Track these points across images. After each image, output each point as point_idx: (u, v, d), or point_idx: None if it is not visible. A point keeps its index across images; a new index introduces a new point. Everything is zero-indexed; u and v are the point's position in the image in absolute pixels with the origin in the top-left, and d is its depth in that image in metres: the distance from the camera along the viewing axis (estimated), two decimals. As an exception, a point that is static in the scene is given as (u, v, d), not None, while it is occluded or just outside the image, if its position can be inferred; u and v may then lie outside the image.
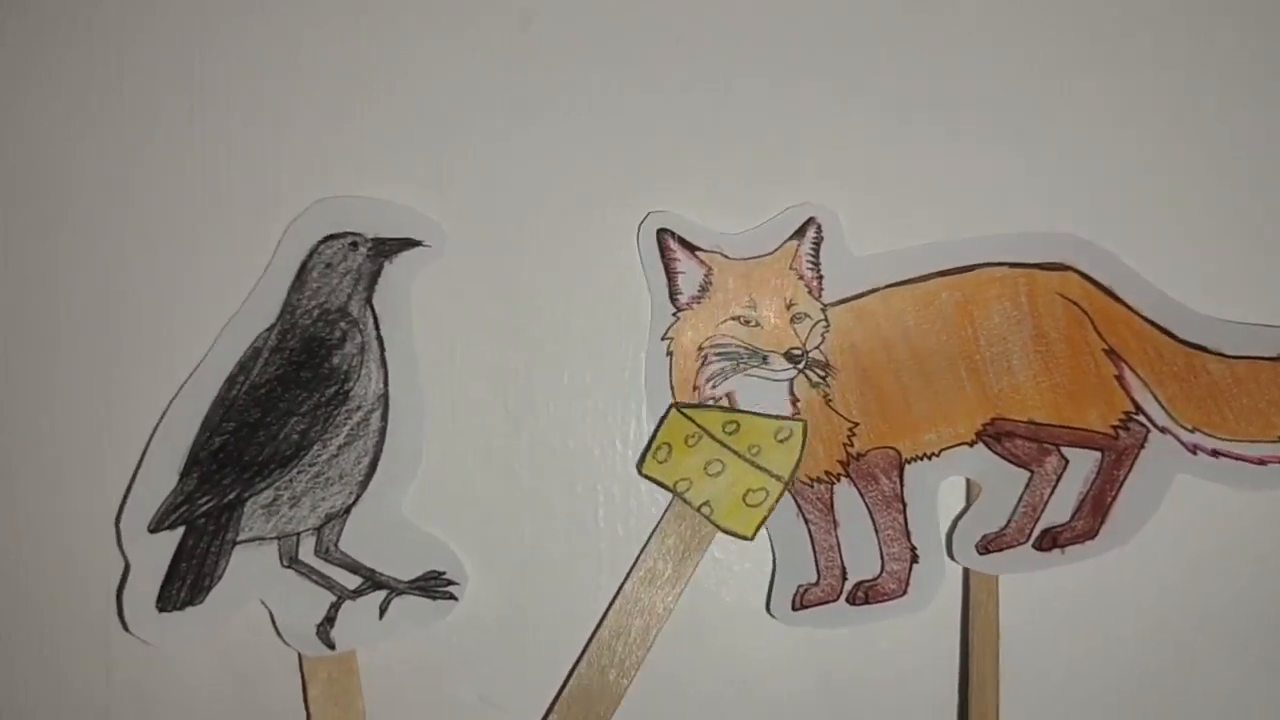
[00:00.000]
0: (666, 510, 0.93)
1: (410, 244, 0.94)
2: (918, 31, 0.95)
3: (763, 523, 0.92)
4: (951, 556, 0.94)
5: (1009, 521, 0.93)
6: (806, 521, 0.94)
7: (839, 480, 0.94)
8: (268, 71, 0.96)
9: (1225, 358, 0.93)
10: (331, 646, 0.94)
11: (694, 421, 0.92)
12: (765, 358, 0.92)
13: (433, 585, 0.94)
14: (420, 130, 0.96)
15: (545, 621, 0.97)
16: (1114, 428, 0.92)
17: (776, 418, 0.92)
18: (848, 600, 0.93)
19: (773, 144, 0.96)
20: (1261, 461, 0.92)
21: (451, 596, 0.94)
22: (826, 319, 0.93)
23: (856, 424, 0.93)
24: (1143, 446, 0.92)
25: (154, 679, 0.97)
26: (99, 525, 0.97)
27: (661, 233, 0.93)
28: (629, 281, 0.96)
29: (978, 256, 0.94)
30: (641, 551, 0.93)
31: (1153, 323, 0.93)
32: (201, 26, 0.96)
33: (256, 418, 0.92)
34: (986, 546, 0.93)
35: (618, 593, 0.93)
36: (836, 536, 0.94)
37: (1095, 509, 0.92)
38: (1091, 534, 0.92)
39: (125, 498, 0.93)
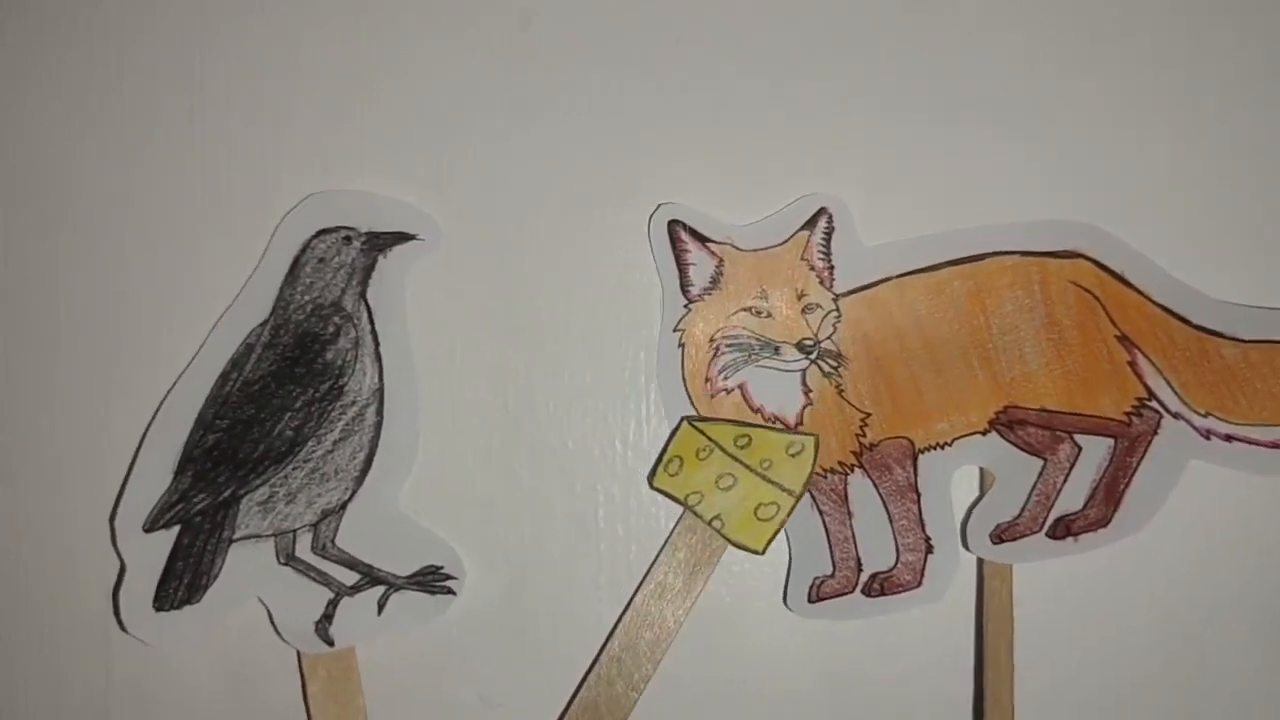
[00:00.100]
0: (677, 524, 0.91)
1: (404, 238, 0.92)
2: (926, 22, 0.94)
3: (774, 537, 0.90)
4: (966, 546, 0.92)
5: (1022, 510, 0.92)
6: (821, 513, 0.92)
7: (852, 471, 0.92)
8: (268, 71, 0.94)
9: (1239, 342, 0.91)
10: (330, 643, 0.92)
11: (705, 435, 0.90)
12: (777, 348, 0.91)
13: (431, 580, 0.92)
14: (420, 130, 0.94)
15: (545, 621, 0.95)
16: (1127, 414, 0.90)
17: (788, 432, 0.90)
18: (863, 592, 0.92)
19: (781, 136, 0.95)
20: (1275, 446, 0.90)
21: (450, 591, 0.92)
22: (838, 309, 0.91)
23: (869, 414, 0.92)
24: (1156, 432, 0.91)
25: (154, 679, 0.95)
26: (99, 525, 0.95)
27: (673, 224, 0.91)
28: (629, 281, 0.94)
29: (989, 245, 0.92)
30: (652, 565, 0.92)
31: (1165, 308, 0.92)
32: (201, 26, 0.94)
33: (250, 414, 0.90)
34: (1000, 536, 0.91)
35: (627, 605, 0.92)
36: (851, 528, 0.92)
37: (1108, 496, 0.90)
38: (1104, 522, 0.91)
39: (119, 497, 0.91)
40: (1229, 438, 0.91)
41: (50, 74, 0.94)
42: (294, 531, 0.91)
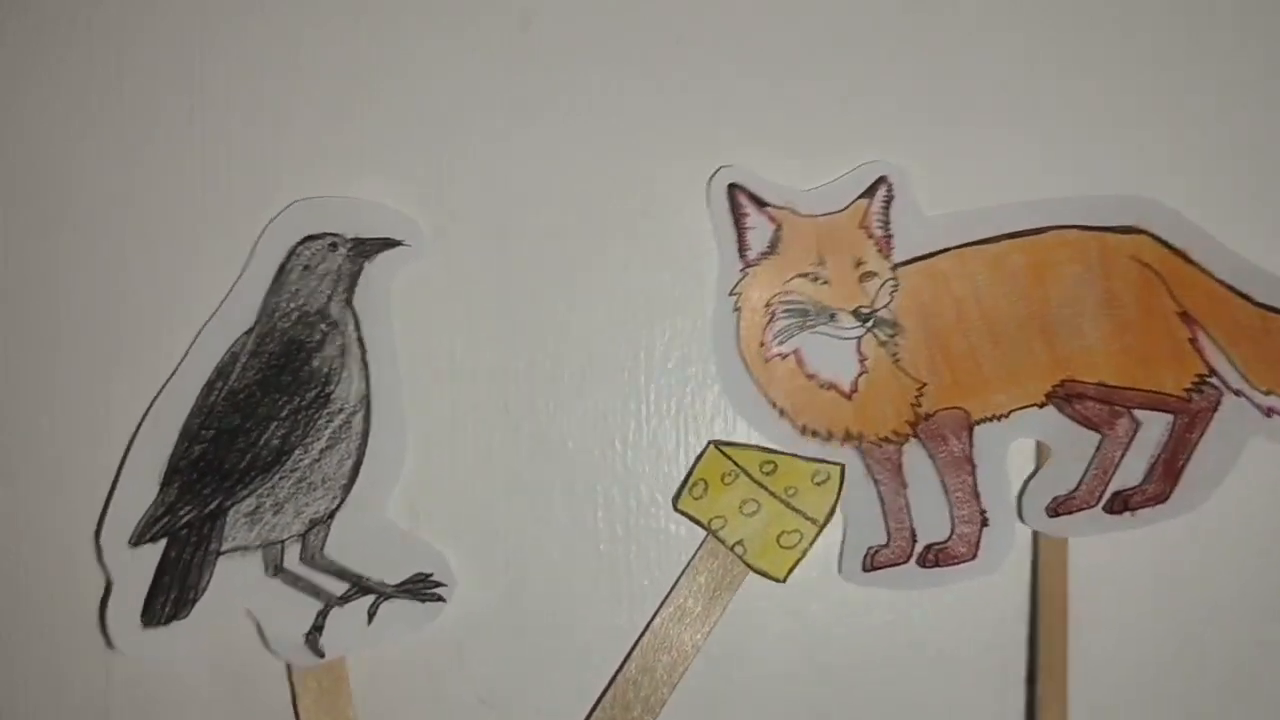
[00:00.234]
0: (700, 548, 0.89)
1: (390, 244, 0.88)
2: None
3: (795, 565, 0.88)
4: (1021, 519, 0.89)
5: (1079, 484, 0.89)
6: (876, 482, 0.89)
7: (907, 441, 0.89)
8: (268, 71, 0.91)
9: (1302, 319, 0.85)
10: (321, 655, 0.88)
11: (732, 460, 0.88)
12: (833, 315, 0.88)
13: (421, 588, 0.88)
14: (421, 130, 0.91)
15: (544, 621, 0.92)
16: (1187, 390, 0.88)
17: (815, 460, 0.88)
18: (918, 562, 0.89)
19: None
20: (1338, 423, 0.84)
21: (440, 598, 0.88)
22: (896, 278, 0.89)
23: (925, 384, 0.89)
24: (1216, 409, 0.88)
25: (154, 679, 0.92)
26: (100, 525, 0.88)
27: (732, 188, 0.88)
28: (629, 280, 0.92)
29: (1050, 219, 0.89)
30: (672, 588, 0.90)
31: (1227, 285, 0.89)
32: (201, 26, 0.91)
33: (236, 424, 0.86)
34: (1056, 509, 0.89)
35: (645, 628, 0.89)
36: (906, 498, 0.89)
37: (1167, 472, 0.88)
38: (1163, 497, 0.88)
39: (104, 511, 0.88)
40: (1292, 415, 0.85)
41: (50, 74, 0.91)
42: (282, 542, 0.87)
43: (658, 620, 0.88)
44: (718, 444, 0.88)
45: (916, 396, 0.88)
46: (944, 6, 0.91)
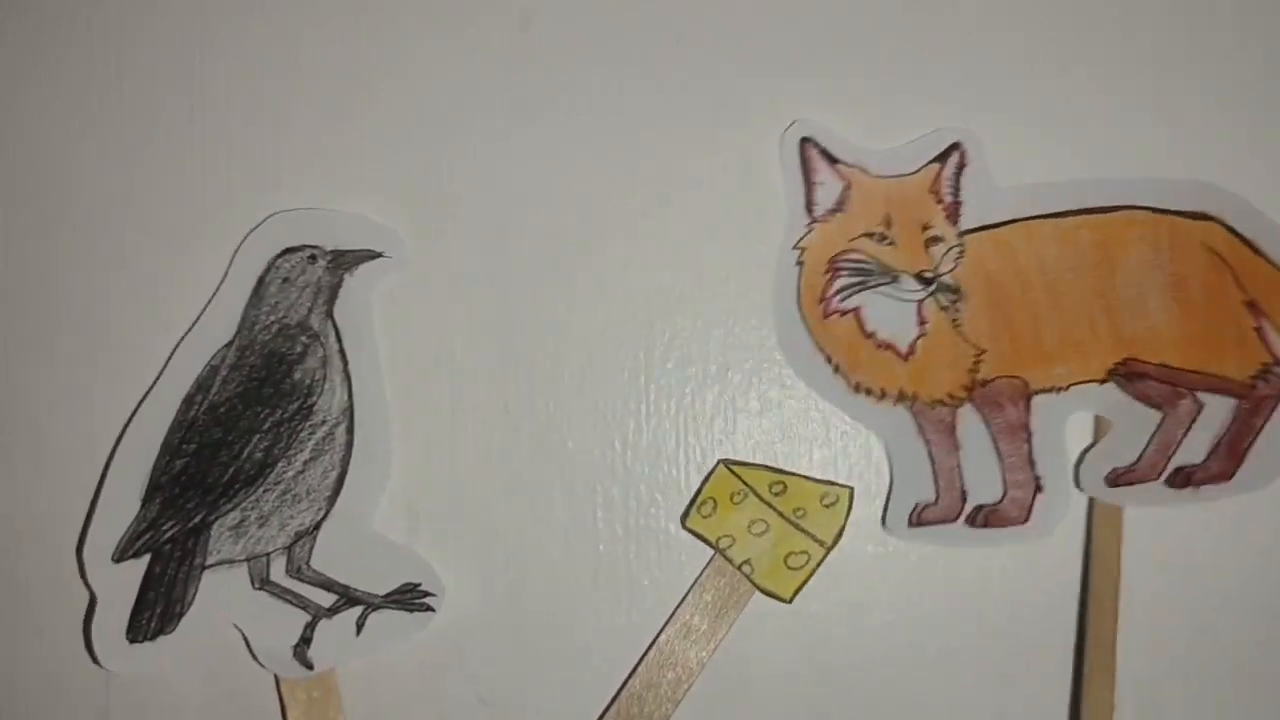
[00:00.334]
0: (707, 566, 0.87)
1: (370, 255, 0.86)
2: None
3: (802, 586, 0.85)
4: (1079, 486, 0.87)
5: (1140, 457, 0.86)
6: (927, 442, 0.87)
7: (962, 404, 0.86)
8: (268, 72, 0.89)
9: (1369, 314, 0.83)
10: (310, 667, 0.85)
11: (741, 479, 0.86)
12: (896, 277, 0.86)
13: (409, 598, 0.86)
14: (421, 130, 0.89)
15: (544, 621, 0.89)
16: (1252, 378, 0.85)
17: (824, 483, 0.86)
18: (966, 522, 0.86)
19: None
20: (1405, 416, 0.82)
21: (429, 608, 0.86)
22: (962, 244, 0.86)
23: (984, 351, 0.86)
24: None
25: (147, 690, 0.89)
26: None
27: (804, 142, 0.86)
28: (630, 280, 0.89)
29: (1121, 198, 0.87)
30: (679, 605, 0.87)
31: None
32: (201, 26, 0.90)
33: (218, 437, 0.84)
34: (1116, 480, 0.86)
35: (651, 645, 0.87)
36: (958, 459, 0.86)
37: (1231, 452, 0.85)
38: (1227, 475, 0.85)
39: (86, 527, 0.86)
40: (1358, 406, 0.83)
41: (50, 74, 0.89)
42: (267, 555, 0.85)
43: (663, 637, 0.86)
44: (727, 463, 0.86)
45: (975, 362, 0.86)
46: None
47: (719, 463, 0.87)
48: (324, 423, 0.85)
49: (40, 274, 0.90)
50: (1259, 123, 0.89)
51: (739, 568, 0.85)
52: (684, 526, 0.87)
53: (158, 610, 0.84)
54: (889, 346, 0.86)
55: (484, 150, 0.89)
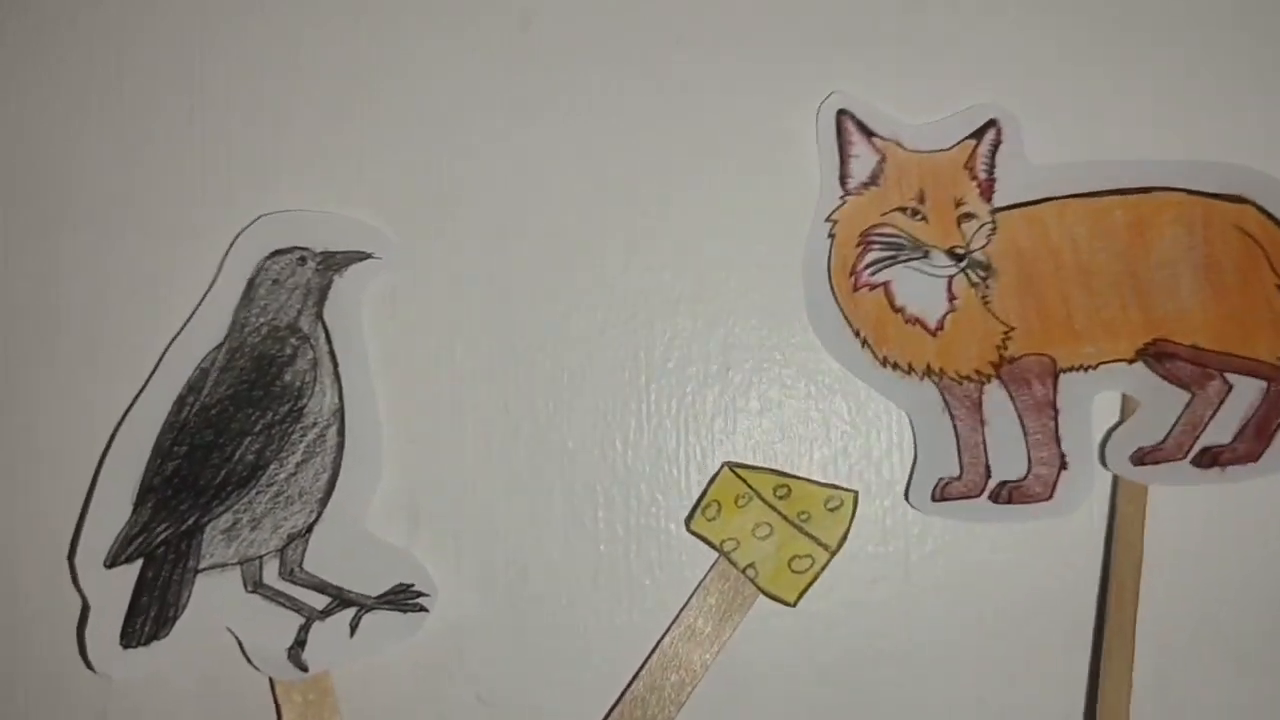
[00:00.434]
0: (711, 569, 0.86)
1: (360, 256, 0.85)
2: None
3: (806, 589, 0.84)
4: (1104, 464, 0.85)
5: (1167, 436, 0.85)
6: (953, 417, 0.86)
7: (989, 381, 0.85)
8: (267, 72, 0.88)
9: (1403, 300, 0.82)
10: (305, 669, 0.84)
11: (745, 482, 0.85)
12: (927, 253, 0.85)
13: (403, 599, 0.84)
14: (421, 130, 0.88)
15: (544, 621, 0.88)
16: None
17: (828, 486, 0.85)
18: (990, 498, 0.85)
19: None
20: None
21: (422, 609, 0.84)
22: (994, 221, 0.85)
23: (1013, 328, 0.85)
24: None
25: (149, 685, 0.87)
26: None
27: (841, 114, 0.85)
28: (629, 280, 0.88)
29: (1156, 179, 0.85)
30: (683, 608, 0.86)
31: None
32: (201, 26, 0.89)
33: (209, 440, 0.83)
34: (1142, 458, 0.85)
35: (655, 647, 0.86)
36: (983, 434, 0.85)
37: (1260, 433, 0.84)
38: (1254, 456, 0.84)
39: (77, 532, 0.84)
40: (1390, 391, 0.82)
41: (50, 74, 0.88)
42: (260, 558, 0.84)
43: (667, 640, 0.85)
44: (732, 465, 0.85)
45: (1003, 339, 0.85)
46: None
47: (723, 465, 0.86)
48: (315, 425, 0.84)
49: (35, 277, 0.89)
50: None
51: (743, 571, 0.84)
52: (688, 529, 0.86)
53: (151, 615, 0.83)
54: (918, 321, 0.85)
55: (485, 150, 0.88)
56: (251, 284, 0.85)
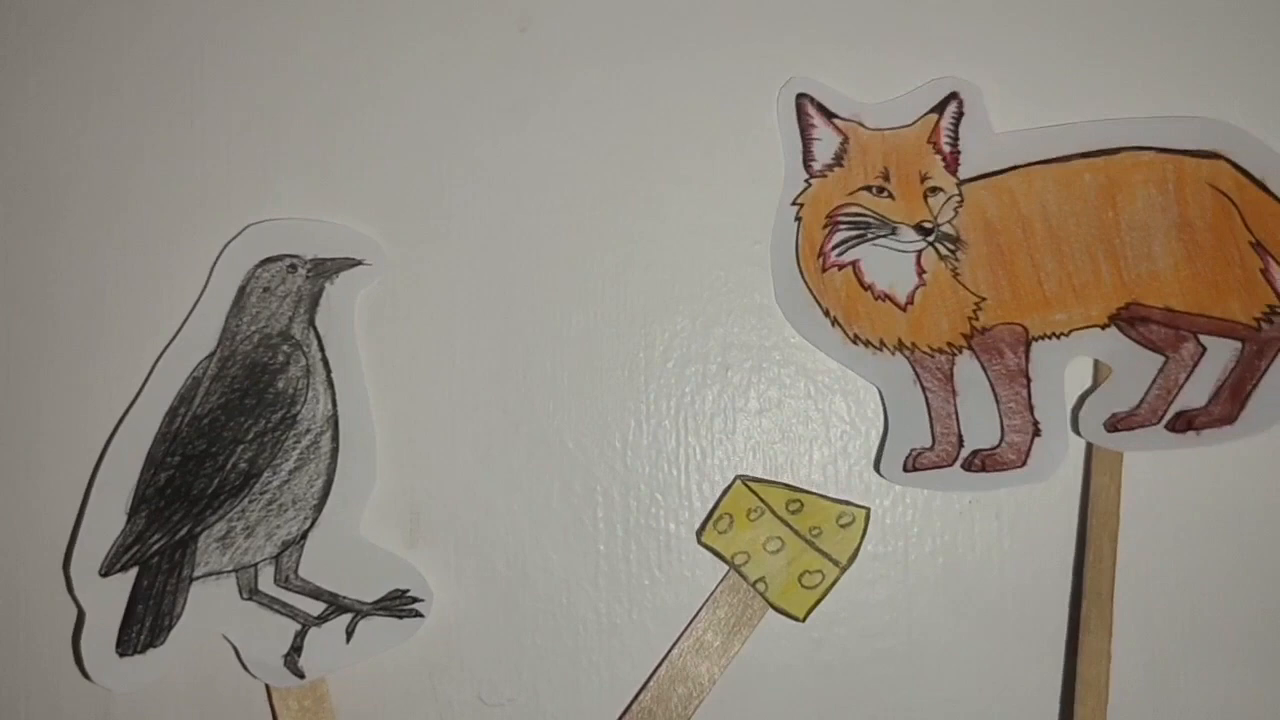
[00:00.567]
0: (721, 582, 0.85)
1: (350, 263, 0.84)
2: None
3: (816, 605, 0.83)
4: (1077, 432, 0.84)
5: (1141, 402, 0.83)
6: (924, 389, 0.84)
7: (960, 352, 0.84)
8: (266, 73, 0.87)
9: (1377, 255, 0.82)
10: (301, 675, 0.83)
11: (758, 496, 0.84)
12: (894, 229, 0.83)
13: (398, 604, 0.84)
14: (420, 130, 0.87)
15: (544, 621, 0.87)
16: (1256, 319, 0.82)
17: (841, 502, 0.84)
18: (963, 466, 0.83)
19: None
20: None
21: (418, 614, 0.84)
22: (960, 194, 0.84)
23: (984, 299, 0.84)
24: None
25: (147, 693, 0.86)
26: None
27: (800, 98, 0.84)
28: (628, 279, 0.86)
29: (1124, 139, 0.84)
30: (692, 620, 0.85)
31: None
32: (201, 27, 0.87)
33: (202, 449, 0.82)
34: (1115, 425, 0.83)
35: (663, 659, 0.85)
36: (954, 405, 0.84)
37: (1235, 395, 0.82)
38: (1229, 419, 0.82)
39: (72, 542, 0.83)
40: (1365, 347, 0.82)
41: (50, 74, 0.87)
42: (255, 565, 0.83)
43: (675, 652, 0.84)
44: (744, 479, 0.84)
45: (975, 310, 0.84)
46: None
47: (736, 478, 0.85)
48: (308, 431, 0.83)
49: (38, 274, 0.87)
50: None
51: (753, 585, 0.83)
52: (699, 542, 0.85)
53: (147, 623, 0.82)
54: (887, 297, 0.84)
55: (483, 151, 0.87)
56: (242, 292, 0.84)
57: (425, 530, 0.86)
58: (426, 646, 0.86)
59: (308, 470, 0.83)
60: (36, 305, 0.87)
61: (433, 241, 0.86)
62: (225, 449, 0.82)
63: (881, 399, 0.85)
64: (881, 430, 0.86)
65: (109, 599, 0.82)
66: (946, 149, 0.84)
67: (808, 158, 0.85)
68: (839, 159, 0.84)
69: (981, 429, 0.84)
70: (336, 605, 0.83)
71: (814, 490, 0.84)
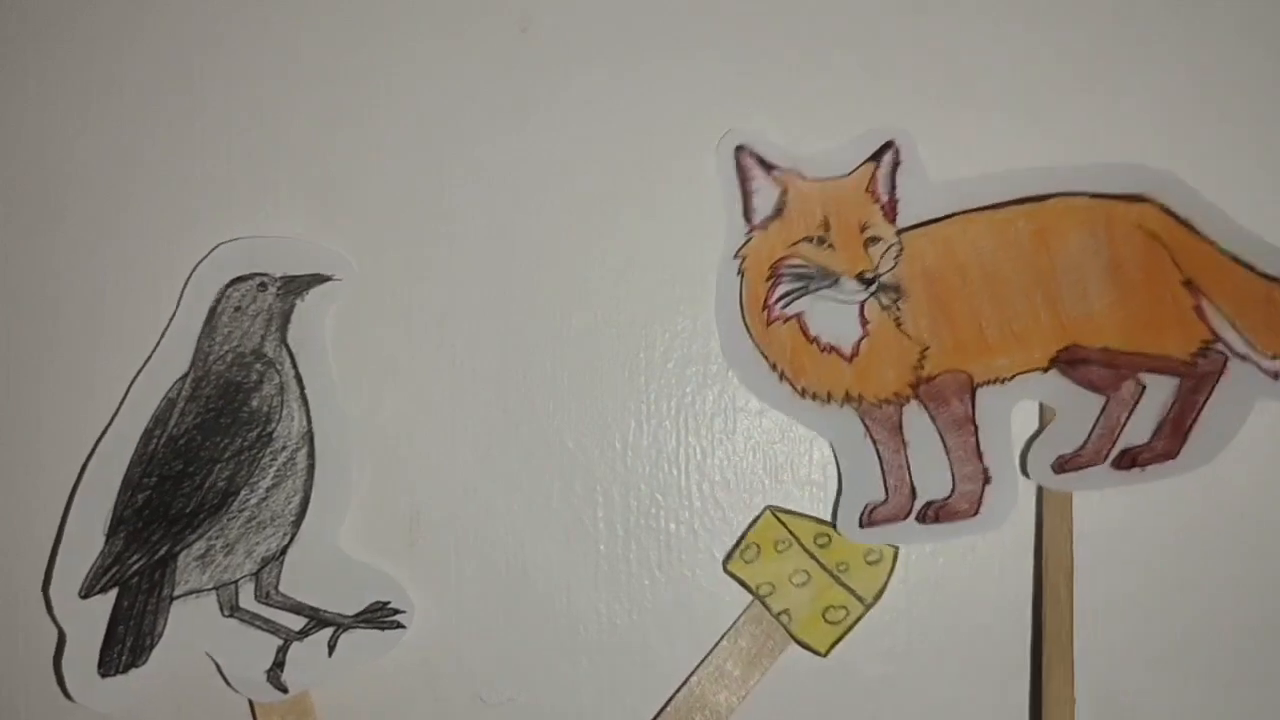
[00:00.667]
0: (744, 612, 0.84)
1: (319, 279, 0.84)
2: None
3: (839, 641, 0.83)
4: (1026, 474, 0.84)
5: (1085, 442, 0.84)
6: (875, 442, 0.84)
7: (908, 402, 0.84)
8: (266, 73, 0.87)
9: (1304, 289, 0.85)
10: (284, 690, 0.83)
11: (786, 528, 0.84)
12: (837, 280, 0.83)
13: (379, 616, 0.84)
14: (421, 131, 0.87)
15: (543, 621, 0.87)
16: (1192, 355, 0.83)
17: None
18: (917, 519, 0.83)
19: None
20: (1344, 386, 0.84)
21: (399, 625, 0.84)
22: (900, 242, 0.84)
23: (927, 347, 0.83)
24: (1222, 373, 0.83)
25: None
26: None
27: (739, 150, 0.84)
28: (628, 280, 0.87)
29: (1056, 186, 0.84)
30: (713, 649, 0.84)
31: (1232, 256, 0.83)
32: (201, 26, 0.87)
33: (179, 469, 0.82)
34: (1063, 466, 0.83)
35: (682, 685, 0.84)
36: (905, 456, 0.84)
37: (1175, 431, 0.83)
38: (1172, 454, 0.83)
39: (50, 565, 0.83)
40: (1298, 379, 0.84)
41: (50, 74, 0.87)
42: (235, 582, 0.83)
43: (694, 679, 0.84)
44: (774, 510, 0.84)
45: (919, 359, 0.84)
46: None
47: (765, 509, 0.85)
48: (284, 448, 0.83)
49: (38, 274, 0.87)
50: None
51: (777, 616, 0.83)
52: (725, 570, 0.85)
53: (128, 644, 0.82)
54: (833, 349, 0.84)
55: (483, 151, 0.87)
56: (213, 312, 0.84)
57: (425, 531, 0.86)
58: (426, 647, 0.85)
59: (285, 487, 0.83)
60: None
61: (433, 241, 0.86)
62: (202, 468, 0.82)
63: (834, 454, 0.85)
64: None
65: (89, 620, 0.82)
66: (884, 198, 0.84)
67: (748, 210, 0.84)
68: (779, 210, 0.84)
69: (933, 479, 0.84)
70: (318, 619, 0.83)
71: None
